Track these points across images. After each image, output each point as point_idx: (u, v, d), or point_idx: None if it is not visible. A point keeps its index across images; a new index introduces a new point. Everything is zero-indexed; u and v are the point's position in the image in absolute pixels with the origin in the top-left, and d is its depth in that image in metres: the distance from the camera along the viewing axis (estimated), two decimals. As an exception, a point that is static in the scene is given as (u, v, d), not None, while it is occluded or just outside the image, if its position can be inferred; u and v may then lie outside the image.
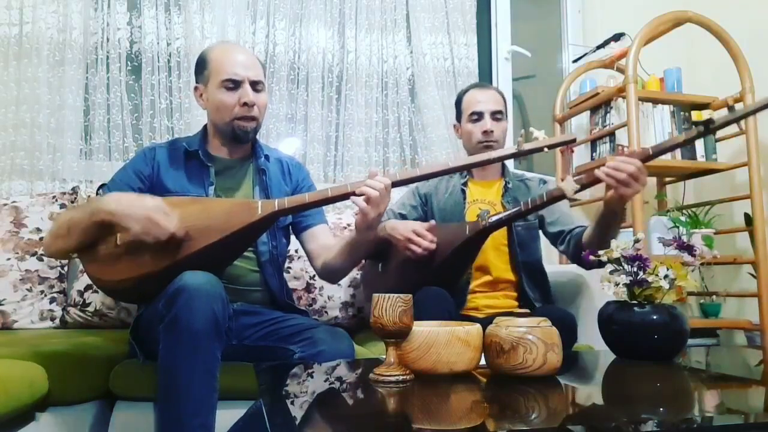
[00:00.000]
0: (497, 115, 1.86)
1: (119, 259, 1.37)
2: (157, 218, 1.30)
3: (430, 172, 1.53)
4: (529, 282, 1.82)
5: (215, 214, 1.41)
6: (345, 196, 1.45)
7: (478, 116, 1.86)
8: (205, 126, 1.69)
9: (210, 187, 1.59)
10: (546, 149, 1.53)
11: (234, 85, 1.56)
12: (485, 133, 1.84)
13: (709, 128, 1.42)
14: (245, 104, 1.56)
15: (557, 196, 1.57)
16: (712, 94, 2.53)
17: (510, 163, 2.79)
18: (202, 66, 1.62)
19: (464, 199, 1.89)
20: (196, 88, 1.65)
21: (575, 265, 1.82)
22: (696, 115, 2.52)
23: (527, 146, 1.52)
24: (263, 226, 1.48)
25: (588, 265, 1.74)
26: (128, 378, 1.45)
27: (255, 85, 1.58)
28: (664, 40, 2.55)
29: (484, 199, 1.89)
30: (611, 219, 1.60)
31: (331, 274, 1.67)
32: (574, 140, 1.62)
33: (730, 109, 1.44)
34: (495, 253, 1.83)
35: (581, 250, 1.68)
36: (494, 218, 1.63)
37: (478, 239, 1.67)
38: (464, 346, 1.03)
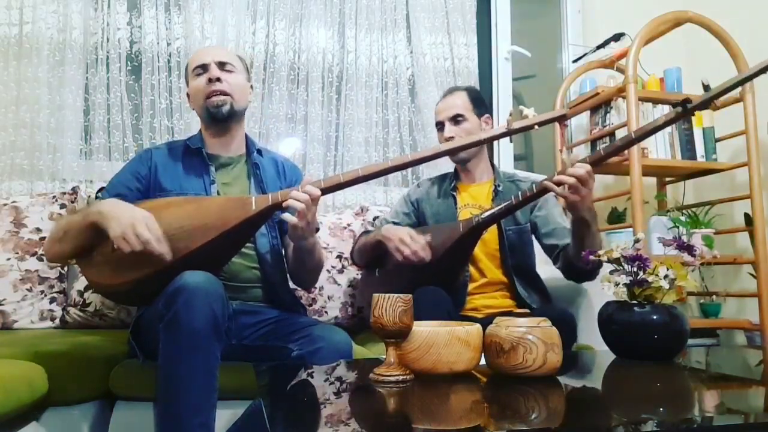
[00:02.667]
0: (457, 118, 1.87)
1: (117, 263, 1.37)
2: (138, 228, 1.29)
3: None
4: (522, 285, 1.81)
5: (210, 212, 1.41)
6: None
7: (440, 126, 1.91)
8: (201, 129, 1.72)
9: (212, 186, 1.61)
10: (536, 126, 1.52)
11: (203, 69, 1.63)
12: (447, 140, 1.85)
13: (686, 108, 1.40)
14: (210, 80, 1.60)
15: (545, 188, 1.56)
16: (712, 94, 2.53)
17: (510, 163, 2.80)
18: (186, 69, 1.72)
19: (455, 203, 1.89)
20: (188, 95, 1.72)
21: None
22: (696, 116, 2.52)
23: (517, 125, 1.51)
24: (259, 221, 1.49)
25: (580, 279, 1.80)
26: (128, 378, 1.45)
27: (222, 66, 1.63)
28: (664, 40, 2.55)
29: (475, 204, 1.88)
30: (581, 228, 1.61)
31: (293, 279, 1.72)
32: (564, 116, 1.60)
33: (706, 88, 1.41)
34: (487, 258, 1.84)
35: (570, 267, 1.74)
36: (486, 214, 1.63)
37: (471, 237, 1.67)
38: (464, 346, 1.03)
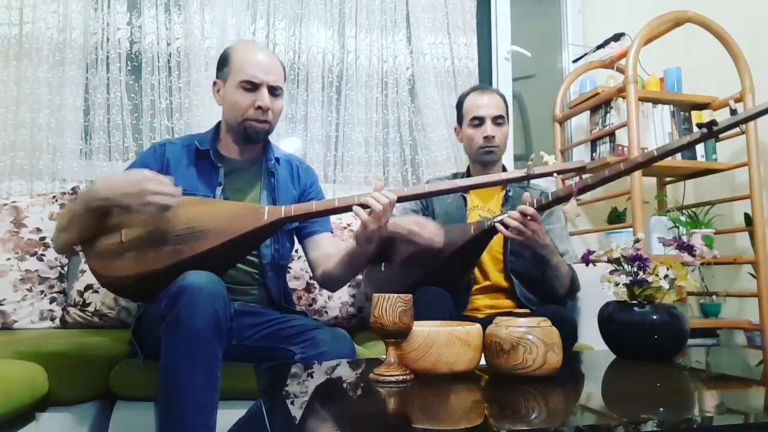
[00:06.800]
0: (498, 120, 1.87)
1: (122, 255, 1.37)
2: (150, 187, 1.29)
3: (437, 190, 1.54)
4: (523, 289, 1.81)
5: (221, 217, 1.41)
6: (351, 208, 1.44)
7: (479, 121, 1.87)
8: (218, 124, 1.68)
9: (218, 188, 1.59)
10: (555, 174, 1.56)
11: (252, 87, 1.55)
12: (486, 138, 1.85)
13: (712, 131, 1.42)
14: (259, 108, 1.55)
15: (562, 197, 1.57)
16: (712, 94, 2.53)
17: (510, 164, 2.80)
18: (224, 62, 1.62)
19: (465, 205, 1.89)
20: (214, 83, 1.65)
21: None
22: (696, 116, 2.52)
23: (537, 170, 1.54)
24: (268, 232, 1.48)
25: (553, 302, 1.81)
26: (128, 378, 1.45)
27: (273, 90, 1.58)
28: (664, 40, 2.55)
29: (484, 206, 1.89)
30: (536, 261, 1.70)
31: (330, 283, 1.69)
32: (583, 168, 1.61)
33: (733, 111, 1.43)
34: (491, 261, 1.84)
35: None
36: (499, 218, 1.63)
37: (481, 239, 1.67)
38: (464, 346, 1.03)
